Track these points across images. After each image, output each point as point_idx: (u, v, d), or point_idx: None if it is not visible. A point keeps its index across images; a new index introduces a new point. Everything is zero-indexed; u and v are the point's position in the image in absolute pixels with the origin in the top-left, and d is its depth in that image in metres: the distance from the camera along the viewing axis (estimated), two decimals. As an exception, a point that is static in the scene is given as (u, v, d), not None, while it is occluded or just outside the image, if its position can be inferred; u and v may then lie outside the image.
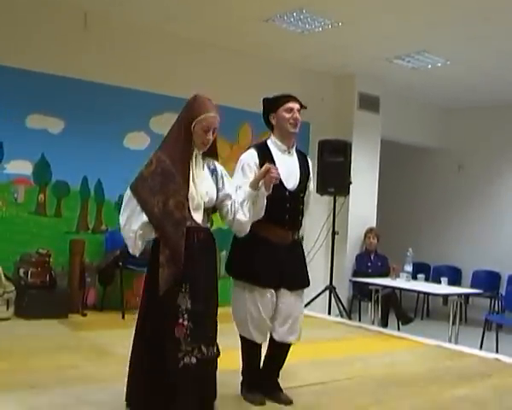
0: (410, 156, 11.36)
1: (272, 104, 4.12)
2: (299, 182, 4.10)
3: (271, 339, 4.06)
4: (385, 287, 7.87)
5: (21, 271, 6.60)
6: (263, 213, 3.80)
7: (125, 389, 3.48)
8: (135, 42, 7.54)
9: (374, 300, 7.97)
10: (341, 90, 9.31)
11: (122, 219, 3.52)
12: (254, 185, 3.72)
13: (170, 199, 3.42)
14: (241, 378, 4.14)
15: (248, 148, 4.14)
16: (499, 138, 10.37)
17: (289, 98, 4.10)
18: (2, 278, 6.36)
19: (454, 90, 9.76)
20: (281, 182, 3.92)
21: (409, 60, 8.32)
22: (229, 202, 3.70)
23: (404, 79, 9.25)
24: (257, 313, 3.94)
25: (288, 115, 4.04)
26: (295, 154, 4.18)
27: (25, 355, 4.92)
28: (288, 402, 4.02)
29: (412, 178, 11.40)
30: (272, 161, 3.94)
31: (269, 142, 4.13)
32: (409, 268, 7.83)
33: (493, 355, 6.09)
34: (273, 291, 3.98)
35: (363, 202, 9.37)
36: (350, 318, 8.37)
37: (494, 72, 8.52)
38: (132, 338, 3.53)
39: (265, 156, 3.96)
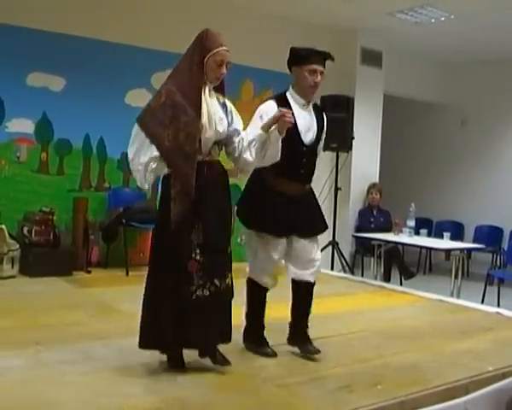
0: (413, 111, 11.29)
1: (298, 59, 4.07)
2: (316, 136, 4.12)
3: (293, 283, 4.15)
4: (387, 242, 7.90)
5: (25, 229, 6.63)
6: (278, 158, 3.78)
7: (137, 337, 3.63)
8: (135, -2, 7.48)
9: (376, 255, 8.01)
10: (344, 45, 9.19)
11: (130, 153, 3.53)
12: (266, 128, 3.70)
13: (181, 132, 3.42)
14: (242, 333, 4.19)
15: (267, 99, 4.12)
16: (503, 93, 10.29)
17: (315, 59, 4.03)
18: (7, 236, 6.38)
19: (458, 45, 9.65)
20: (298, 136, 3.98)
21: (412, 14, 8.22)
22: (236, 139, 3.70)
23: (407, 34, 9.14)
24: (268, 259, 4.02)
25: (309, 77, 4.01)
26: (312, 108, 4.17)
27: (31, 313, 4.96)
28: (316, 352, 4.07)
29: (415, 134, 11.34)
30: (291, 114, 3.90)
31: (288, 94, 4.11)
32: (411, 223, 7.84)
33: (495, 309, 6.12)
34: (285, 240, 4.06)
35: (366, 158, 9.34)
36: (353, 273, 8.41)
37: (498, 26, 8.40)
38: (145, 278, 3.61)
39: (284, 108, 3.90)
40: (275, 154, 3.75)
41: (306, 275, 4.14)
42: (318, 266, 4.23)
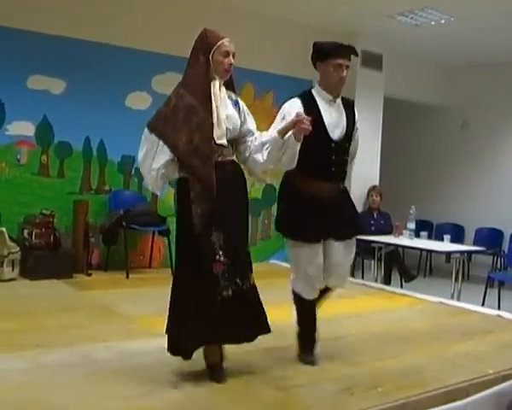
0: (414, 114, 11.29)
1: (322, 54, 3.96)
2: (345, 132, 3.99)
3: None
4: (388, 245, 7.89)
5: (25, 232, 6.63)
6: (294, 165, 3.69)
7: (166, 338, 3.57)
8: (135, 0, 7.48)
9: (377, 257, 8.00)
10: (344, 47, 9.20)
11: (140, 155, 3.48)
12: (282, 133, 3.59)
13: (195, 133, 3.37)
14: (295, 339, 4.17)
15: (292, 97, 3.98)
16: (503, 96, 10.29)
17: (340, 54, 3.92)
18: (7, 239, 6.38)
19: (458, 47, 9.65)
20: (326, 133, 3.87)
21: (412, 16, 8.22)
22: (250, 139, 3.66)
23: (407, 37, 9.14)
24: (310, 269, 3.91)
25: (335, 73, 3.90)
26: (341, 103, 4.05)
27: (31, 315, 4.96)
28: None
29: (415, 136, 11.33)
30: (317, 111, 3.85)
31: (313, 91, 4.00)
32: (412, 226, 7.84)
33: (495, 312, 6.11)
34: (321, 248, 3.93)
35: (366, 160, 9.29)
36: (353, 275, 8.39)
37: (498, 29, 8.40)
38: (172, 282, 3.58)
39: (310, 105, 3.85)
40: (290, 160, 3.66)
41: (335, 283, 4.12)
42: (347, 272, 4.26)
